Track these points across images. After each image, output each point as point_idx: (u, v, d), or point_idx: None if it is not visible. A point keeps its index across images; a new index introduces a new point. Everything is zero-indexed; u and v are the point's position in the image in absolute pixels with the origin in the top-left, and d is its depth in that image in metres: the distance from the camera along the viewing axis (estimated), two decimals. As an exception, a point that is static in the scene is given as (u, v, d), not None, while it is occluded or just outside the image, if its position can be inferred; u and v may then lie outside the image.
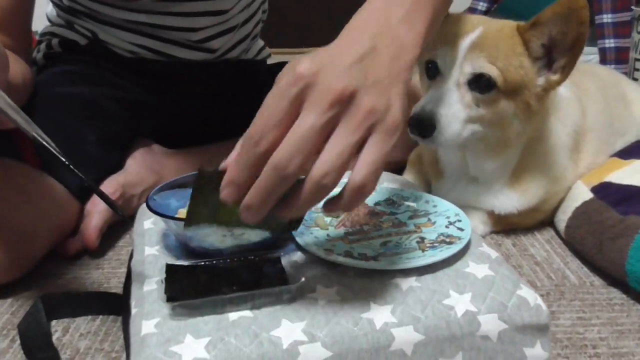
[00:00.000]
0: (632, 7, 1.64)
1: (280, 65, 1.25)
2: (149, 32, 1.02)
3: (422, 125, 0.75)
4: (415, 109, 0.76)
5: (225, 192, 0.47)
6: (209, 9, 1.03)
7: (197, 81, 1.09)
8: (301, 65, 0.44)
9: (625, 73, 1.58)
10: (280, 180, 0.44)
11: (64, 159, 0.56)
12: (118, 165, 0.96)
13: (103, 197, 0.57)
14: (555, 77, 0.77)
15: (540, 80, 0.77)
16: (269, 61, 1.28)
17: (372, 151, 0.45)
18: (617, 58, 1.86)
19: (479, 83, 0.76)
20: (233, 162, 0.47)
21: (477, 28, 0.77)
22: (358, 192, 0.46)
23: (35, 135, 0.56)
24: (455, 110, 0.76)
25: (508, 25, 0.77)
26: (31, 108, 0.87)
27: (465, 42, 0.77)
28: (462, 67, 0.77)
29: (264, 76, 1.19)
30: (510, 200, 0.86)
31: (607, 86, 1.08)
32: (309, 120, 0.44)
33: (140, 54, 1.04)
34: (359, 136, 0.45)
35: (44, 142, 0.56)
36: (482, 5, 2.16)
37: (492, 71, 0.75)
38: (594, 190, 0.87)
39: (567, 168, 0.90)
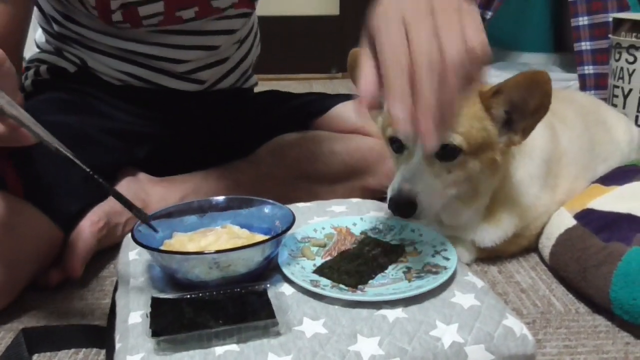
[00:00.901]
0: (609, 35, 1.68)
1: (268, 93, 1.27)
2: (137, 61, 1.02)
3: (404, 208, 0.75)
4: (392, 191, 0.76)
5: (397, 107, 0.49)
6: (199, 43, 1.04)
7: (185, 110, 1.10)
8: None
9: (604, 99, 1.61)
10: (432, 69, 0.48)
11: (87, 169, 0.60)
12: (104, 194, 0.95)
13: (127, 204, 0.62)
14: (516, 137, 0.80)
15: (502, 139, 0.80)
16: (256, 89, 1.29)
17: (470, 20, 0.51)
18: (596, 84, 1.90)
19: (446, 152, 0.77)
20: (387, 83, 0.50)
21: None
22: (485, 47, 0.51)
23: (57, 147, 0.60)
24: (431, 184, 0.77)
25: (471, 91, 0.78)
26: None
27: None
28: None
29: (251, 104, 1.20)
30: (488, 233, 0.87)
31: (586, 112, 1.10)
32: (422, 24, 0.50)
33: (129, 82, 1.04)
34: (457, 16, 0.50)
35: (68, 154, 0.60)
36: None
37: (455, 139, 0.76)
38: (577, 216, 0.88)
39: (540, 196, 0.91)
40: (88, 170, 0.60)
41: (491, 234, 0.87)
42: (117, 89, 1.04)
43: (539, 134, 0.91)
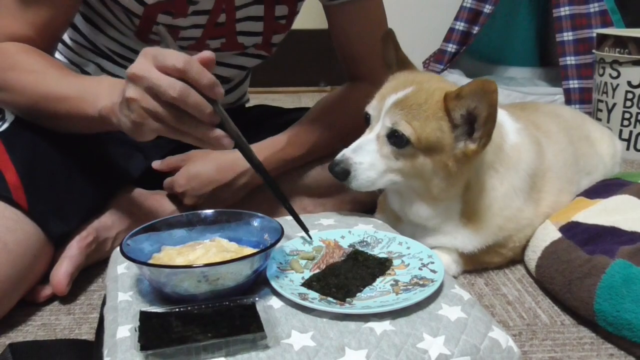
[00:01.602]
0: (593, 51, 1.71)
1: (258, 108, 1.28)
2: None
3: (338, 170, 0.82)
4: (338, 155, 0.84)
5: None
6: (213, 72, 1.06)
7: None
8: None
9: (589, 113, 1.64)
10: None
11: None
12: (98, 211, 0.95)
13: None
14: (472, 146, 0.80)
15: (460, 145, 0.81)
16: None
17: None
18: (581, 98, 1.93)
19: (395, 138, 0.81)
20: None
21: (409, 87, 0.82)
22: None
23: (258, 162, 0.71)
24: (372, 160, 0.82)
25: (439, 90, 0.80)
26: (21, 136, 0.87)
27: (392, 99, 0.82)
28: (384, 121, 0.82)
29: (242, 119, 1.21)
30: (468, 239, 0.88)
31: (571, 126, 1.12)
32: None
33: None
34: None
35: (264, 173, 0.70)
36: (451, 47, 2.23)
37: (406, 129, 0.79)
38: (562, 229, 0.90)
39: (523, 209, 0.92)
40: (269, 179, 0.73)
41: (472, 239, 0.88)
42: None
43: (526, 149, 0.93)
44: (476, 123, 0.79)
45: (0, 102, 0.89)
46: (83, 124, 0.84)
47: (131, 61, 1.00)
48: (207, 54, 0.67)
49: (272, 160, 0.99)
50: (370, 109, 0.85)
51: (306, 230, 0.75)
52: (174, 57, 0.64)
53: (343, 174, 0.82)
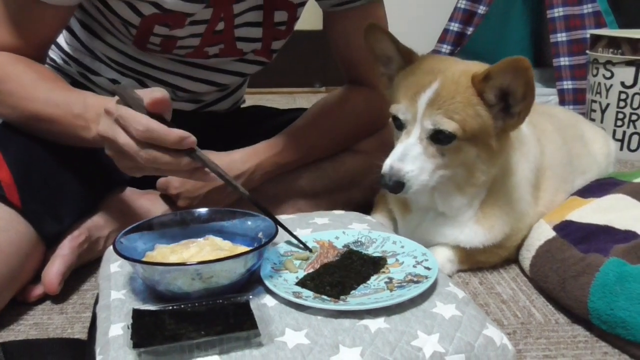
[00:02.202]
0: (587, 51, 1.72)
1: (253, 109, 1.27)
2: (143, 81, 1.03)
3: (393, 185, 0.80)
4: (384, 167, 0.80)
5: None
6: (211, 79, 1.07)
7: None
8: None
9: (582, 114, 1.64)
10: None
11: (284, 226, 0.71)
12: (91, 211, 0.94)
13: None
14: (512, 120, 0.81)
15: (498, 124, 0.81)
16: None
17: None
18: (575, 99, 1.94)
19: (440, 137, 0.79)
20: None
21: (434, 81, 0.80)
22: None
23: (242, 189, 0.71)
24: (421, 164, 0.80)
25: (464, 75, 0.80)
26: (14, 135, 0.87)
27: (423, 99, 0.80)
28: (423, 123, 0.80)
29: (237, 120, 1.21)
30: (476, 235, 0.88)
31: (565, 126, 1.12)
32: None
33: None
34: None
35: (248, 195, 0.70)
36: (445, 48, 2.23)
37: (450, 126, 0.78)
38: (556, 228, 0.90)
39: (530, 204, 0.93)
40: (279, 222, 0.70)
41: (480, 235, 0.88)
42: None
43: (533, 142, 0.93)
44: (511, 98, 0.79)
45: None
46: (79, 143, 0.85)
47: (129, 68, 1.01)
48: (156, 95, 0.69)
49: (267, 163, 0.98)
50: (400, 113, 0.82)
51: (304, 245, 0.73)
52: (133, 126, 0.67)
53: (398, 187, 0.79)
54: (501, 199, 0.89)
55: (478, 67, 0.81)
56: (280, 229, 0.68)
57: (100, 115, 0.74)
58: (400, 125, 0.83)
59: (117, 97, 0.71)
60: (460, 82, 0.79)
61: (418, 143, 0.80)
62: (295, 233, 0.76)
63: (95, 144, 0.79)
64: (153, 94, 0.69)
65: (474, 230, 0.88)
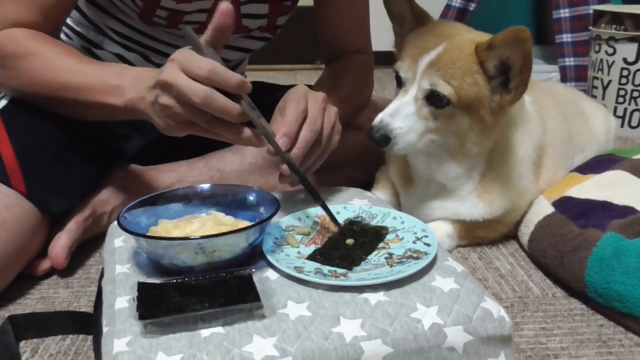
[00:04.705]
0: (590, 28, 1.71)
1: (253, 85, 1.27)
2: (147, 55, 1.03)
3: (378, 136, 0.82)
4: (375, 119, 0.82)
5: (282, 141, 0.71)
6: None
7: None
8: (302, 88, 0.79)
9: (584, 90, 1.64)
10: (313, 134, 0.74)
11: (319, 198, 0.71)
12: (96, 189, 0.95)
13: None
14: (508, 96, 0.81)
15: (495, 98, 0.81)
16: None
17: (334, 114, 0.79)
18: (576, 76, 1.93)
19: (435, 99, 0.80)
20: (286, 125, 0.72)
21: (440, 44, 0.81)
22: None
23: (290, 160, 0.71)
24: (411, 123, 0.82)
25: (469, 43, 0.80)
26: (21, 115, 0.87)
27: (425, 59, 0.81)
28: (420, 83, 0.81)
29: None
30: (476, 208, 0.89)
31: (565, 103, 1.12)
32: (315, 107, 0.76)
33: None
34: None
35: (296, 166, 0.71)
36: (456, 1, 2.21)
37: (446, 89, 0.79)
38: (555, 204, 0.91)
39: (531, 181, 0.94)
40: (294, 165, 0.71)
41: (480, 209, 0.89)
42: None
43: (535, 120, 0.94)
44: (510, 72, 0.79)
45: (11, 89, 0.87)
46: (105, 113, 0.83)
47: (134, 42, 1.01)
48: (224, 5, 0.67)
49: None
50: (402, 70, 0.83)
51: (335, 220, 0.72)
52: (198, 66, 0.65)
53: (384, 140, 0.81)
54: (502, 175, 0.89)
55: (486, 37, 0.81)
56: (279, 201, 0.68)
57: (139, 78, 0.74)
58: (400, 83, 0.85)
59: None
60: (464, 49, 0.79)
61: (412, 102, 0.82)
62: (295, 209, 0.77)
63: (124, 111, 0.78)
64: (222, 4, 0.68)
65: (475, 204, 0.89)
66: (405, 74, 0.83)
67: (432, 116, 0.81)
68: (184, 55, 0.67)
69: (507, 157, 0.90)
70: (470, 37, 0.82)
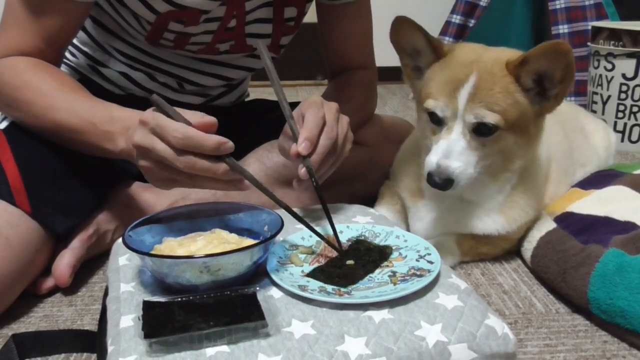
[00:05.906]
0: (588, 43, 1.72)
1: (256, 102, 1.29)
2: (152, 75, 1.04)
3: (441, 182, 0.80)
4: (430, 165, 0.81)
5: (303, 145, 0.73)
6: (220, 73, 1.08)
7: None
8: (318, 98, 0.82)
9: (584, 105, 1.65)
10: (331, 141, 0.77)
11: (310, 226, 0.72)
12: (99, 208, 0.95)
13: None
14: (548, 103, 0.83)
15: (535, 108, 0.82)
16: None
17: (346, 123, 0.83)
18: (576, 91, 1.94)
19: (483, 129, 0.80)
20: (307, 130, 0.75)
21: (470, 74, 0.80)
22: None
23: (278, 200, 0.70)
24: (467, 158, 0.81)
25: (496, 63, 0.81)
26: (24, 134, 0.87)
27: (463, 94, 0.80)
28: (465, 118, 0.81)
29: (240, 113, 1.22)
30: (495, 223, 0.90)
31: (566, 119, 1.13)
32: (331, 115, 0.79)
33: (132, 91, 1.05)
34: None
35: (283, 203, 0.70)
36: (447, 41, 2.24)
37: (493, 118, 0.79)
38: (557, 220, 0.91)
39: (543, 196, 0.95)
40: (306, 222, 0.71)
41: (498, 224, 0.90)
42: (118, 99, 1.05)
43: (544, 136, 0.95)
44: (547, 81, 0.80)
45: (10, 117, 0.89)
46: (101, 153, 0.83)
47: (140, 62, 1.02)
48: (208, 120, 0.68)
49: None
50: (439, 110, 0.82)
51: (336, 239, 0.73)
52: (171, 134, 0.65)
53: (448, 183, 0.80)
54: (528, 188, 0.91)
55: (507, 53, 0.83)
56: (283, 220, 0.69)
57: (130, 127, 0.73)
58: (438, 121, 0.84)
59: (152, 107, 0.70)
60: (495, 72, 0.80)
61: (461, 138, 0.81)
62: (299, 226, 0.77)
63: (120, 157, 0.79)
64: (204, 118, 0.68)
65: (493, 219, 0.90)
66: (443, 113, 0.82)
67: (481, 145, 0.82)
68: (157, 121, 0.67)
69: (533, 171, 0.91)
70: (493, 56, 0.82)
